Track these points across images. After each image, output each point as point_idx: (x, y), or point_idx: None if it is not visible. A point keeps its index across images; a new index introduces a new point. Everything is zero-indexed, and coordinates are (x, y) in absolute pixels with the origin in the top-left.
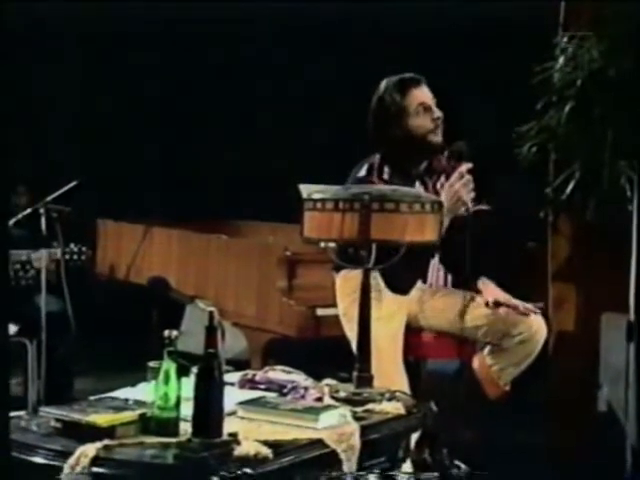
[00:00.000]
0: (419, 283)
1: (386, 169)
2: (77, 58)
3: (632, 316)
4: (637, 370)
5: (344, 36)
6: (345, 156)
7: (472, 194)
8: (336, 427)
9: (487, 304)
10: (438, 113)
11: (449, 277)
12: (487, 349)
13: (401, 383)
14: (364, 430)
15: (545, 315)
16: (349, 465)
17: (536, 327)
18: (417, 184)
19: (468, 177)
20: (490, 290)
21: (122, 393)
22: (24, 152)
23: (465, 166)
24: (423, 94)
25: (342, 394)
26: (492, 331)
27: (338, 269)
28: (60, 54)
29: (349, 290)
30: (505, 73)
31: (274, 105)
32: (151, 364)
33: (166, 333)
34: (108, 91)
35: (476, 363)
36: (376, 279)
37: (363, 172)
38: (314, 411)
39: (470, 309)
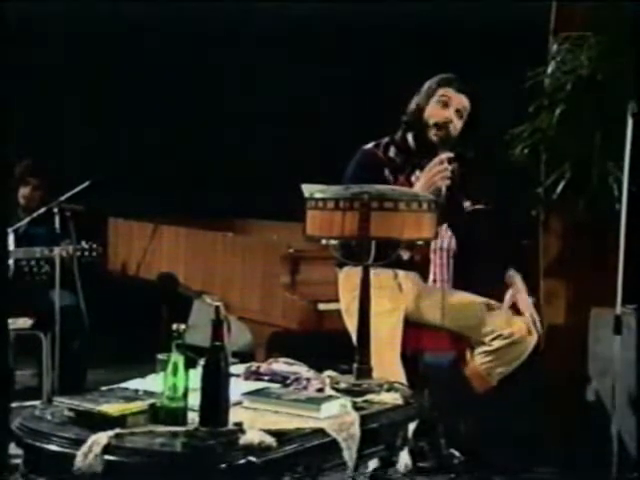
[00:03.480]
0: (419, 281)
1: (392, 148)
2: (86, 56)
3: (619, 310)
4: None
5: (345, 36)
6: (347, 155)
7: (447, 182)
8: (337, 417)
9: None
10: (452, 116)
11: (449, 275)
12: (479, 348)
13: (399, 375)
14: (363, 419)
15: (537, 309)
16: (349, 453)
17: (527, 330)
18: (418, 172)
19: (446, 165)
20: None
21: (132, 384)
22: (36, 149)
23: (445, 155)
24: (455, 96)
25: (342, 385)
26: (484, 331)
27: (341, 266)
28: (70, 55)
29: (351, 287)
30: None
31: (278, 105)
32: (160, 356)
33: (174, 327)
34: (115, 91)
35: (466, 360)
36: (377, 275)
37: (369, 145)
38: (316, 401)
39: (464, 308)
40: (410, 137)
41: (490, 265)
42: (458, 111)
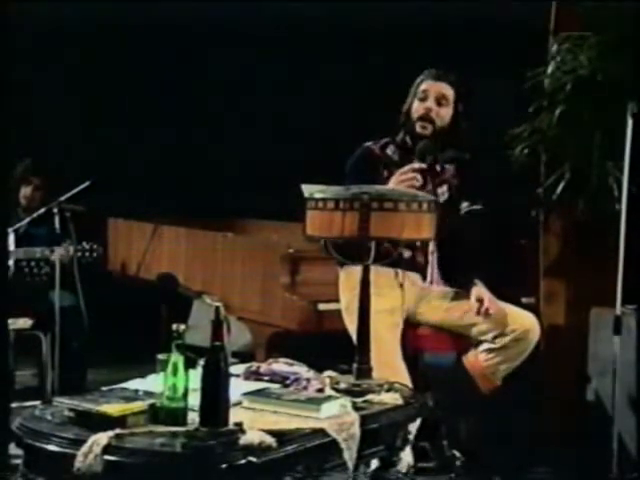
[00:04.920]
0: (417, 279)
1: (391, 146)
2: (84, 57)
3: (619, 311)
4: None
5: (344, 36)
6: (347, 155)
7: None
8: (337, 417)
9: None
10: (432, 106)
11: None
12: (482, 346)
13: (401, 375)
14: (364, 420)
15: (537, 309)
16: (349, 453)
17: (529, 325)
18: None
19: (416, 175)
20: (476, 291)
21: (132, 384)
22: (36, 149)
23: (418, 165)
24: (432, 85)
25: (342, 385)
26: (486, 329)
27: (342, 264)
28: (67, 54)
29: (352, 285)
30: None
31: (278, 105)
32: (160, 356)
33: (174, 327)
34: (115, 91)
35: (470, 360)
36: (378, 274)
37: (369, 143)
38: (316, 401)
39: (464, 307)
40: (407, 137)
41: (486, 266)
42: (438, 99)
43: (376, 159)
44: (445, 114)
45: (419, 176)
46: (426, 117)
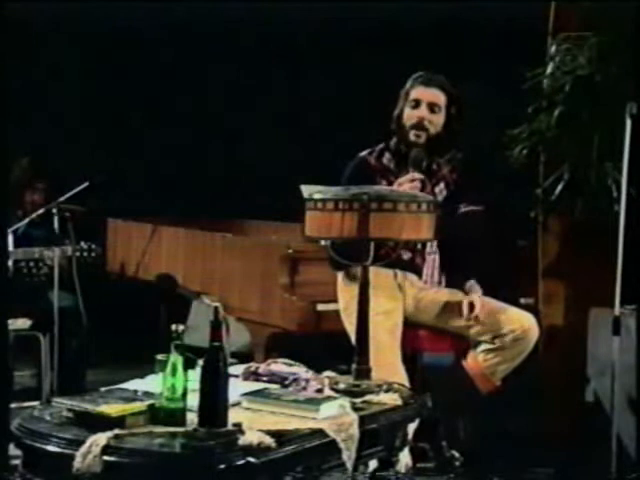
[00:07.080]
0: (415, 280)
1: (387, 154)
2: (82, 57)
3: (617, 311)
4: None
5: (344, 36)
6: (346, 156)
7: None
8: (336, 417)
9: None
10: (424, 114)
11: (440, 277)
12: (480, 347)
13: (400, 375)
14: (362, 420)
15: (536, 310)
16: (348, 454)
17: (528, 325)
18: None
19: (416, 184)
20: (469, 297)
21: (131, 385)
22: (41, 151)
23: (418, 175)
24: (423, 92)
25: (341, 386)
26: (484, 330)
27: (342, 266)
28: (66, 53)
29: (350, 286)
30: (497, 77)
31: (278, 105)
32: (159, 357)
33: (173, 327)
34: (113, 91)
35: (469, 360)
36: (377, 275)
37: (364, 153)
38: (315, 402)
39: (462, 308)
40: (401, 144)
41: (484, 266)
42: (431, 106)
43: (372, 170)
44: (438, 121)
45: (417, 184)
46: (419, 126)
